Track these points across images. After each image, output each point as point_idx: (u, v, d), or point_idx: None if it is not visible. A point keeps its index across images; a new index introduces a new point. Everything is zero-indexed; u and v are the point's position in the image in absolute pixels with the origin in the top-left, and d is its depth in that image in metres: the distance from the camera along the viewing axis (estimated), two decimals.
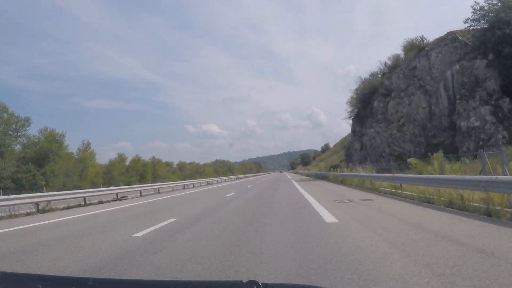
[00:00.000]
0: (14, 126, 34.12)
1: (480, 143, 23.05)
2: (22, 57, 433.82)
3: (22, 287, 1.37)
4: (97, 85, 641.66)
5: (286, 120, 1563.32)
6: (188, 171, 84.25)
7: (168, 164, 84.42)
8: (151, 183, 39.22)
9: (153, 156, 71.34)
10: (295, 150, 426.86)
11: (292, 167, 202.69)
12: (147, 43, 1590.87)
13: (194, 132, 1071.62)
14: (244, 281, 1.15)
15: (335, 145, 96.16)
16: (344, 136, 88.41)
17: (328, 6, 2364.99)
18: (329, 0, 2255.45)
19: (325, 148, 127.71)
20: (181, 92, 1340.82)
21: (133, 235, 6.63)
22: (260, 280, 1.16)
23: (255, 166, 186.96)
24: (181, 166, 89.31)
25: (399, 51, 38.53)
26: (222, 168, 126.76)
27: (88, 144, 50.97)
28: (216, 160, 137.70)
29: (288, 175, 60.83)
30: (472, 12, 26.28)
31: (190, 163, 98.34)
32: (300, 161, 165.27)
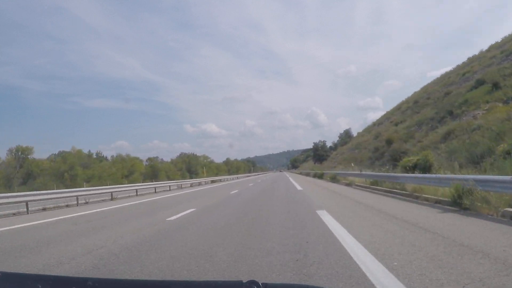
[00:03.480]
0: None
1: None
2: (22, 57, 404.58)
3: (22, 287, 1.32)
4: (97, 85, 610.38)
5: (286, 120, 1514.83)
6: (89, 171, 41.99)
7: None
8: None
9: None
10: (294, 149, 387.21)
11: (293, 165, 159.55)
12: (147, 43, 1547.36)
13: (193, 132, 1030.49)
14: (244, 281, 1.11)
15: (374, 121, 54.43)
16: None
17: (328, 6, 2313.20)
18: (329, 0, 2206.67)
19: (345, 135, 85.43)
20: (181, 92, 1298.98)
21: None
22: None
23: (246, 164, 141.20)
24: (86, 161, 46.70)
25: None
26: (188, 166, 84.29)
27: None
28: (182, 153, 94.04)
29: (298, 184, 18.11)
30: None
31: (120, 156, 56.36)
32: (311, 156, 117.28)
